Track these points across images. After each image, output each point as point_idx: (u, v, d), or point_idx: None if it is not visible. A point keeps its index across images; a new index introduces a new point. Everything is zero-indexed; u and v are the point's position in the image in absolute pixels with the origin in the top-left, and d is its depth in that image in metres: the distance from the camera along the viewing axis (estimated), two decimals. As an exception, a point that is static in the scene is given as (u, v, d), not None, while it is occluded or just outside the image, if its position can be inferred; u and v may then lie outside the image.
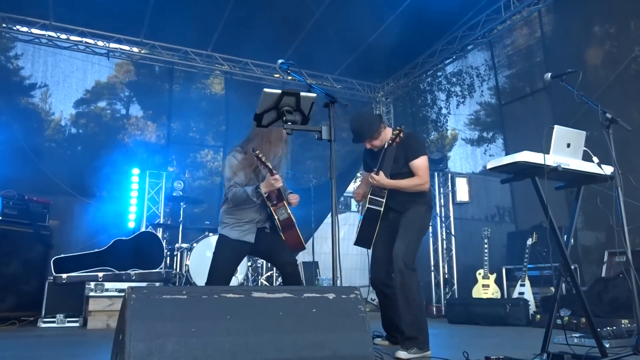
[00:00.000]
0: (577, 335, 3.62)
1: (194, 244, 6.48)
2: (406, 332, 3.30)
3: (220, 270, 3.45)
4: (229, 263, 3.50)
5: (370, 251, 3.75)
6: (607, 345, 2.95)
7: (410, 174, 3.51)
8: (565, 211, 5.01)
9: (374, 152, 3.66)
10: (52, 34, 7.52)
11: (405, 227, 3.47)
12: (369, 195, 3.58)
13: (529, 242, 5.88)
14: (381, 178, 3.44)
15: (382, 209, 3.54)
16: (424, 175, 3.49)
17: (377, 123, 3.61)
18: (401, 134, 3.40)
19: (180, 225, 7.03)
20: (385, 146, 3.47)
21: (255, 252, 3.70)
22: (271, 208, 3.46)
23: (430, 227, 7.77)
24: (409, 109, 9.57)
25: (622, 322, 4.09)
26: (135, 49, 8.22)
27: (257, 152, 3.26)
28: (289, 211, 3.48)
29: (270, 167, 3.28)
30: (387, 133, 3.61)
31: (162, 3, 6.96)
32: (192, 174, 8.51)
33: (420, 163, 3.49)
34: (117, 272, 5.60)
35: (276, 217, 3.46)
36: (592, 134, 3.13)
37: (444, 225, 7.86)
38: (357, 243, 3.71)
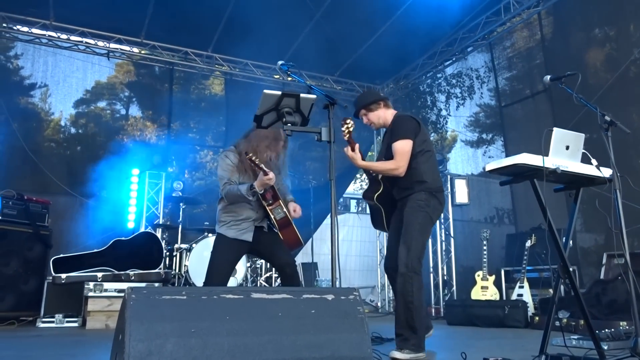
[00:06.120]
0: (576, 337, 3.63)
1: (193, 245, 6.48)
2: (399, 330, 3.23)
3: (219, 269, 3.44)
4: (227, 262, 3.49)
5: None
6: (605, 348, 2.96)
7: None
8: (564, 213, 4.99)
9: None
10: (53, 34, 7.52)
11: (406, 224, 3.34)
12: (368, 185, 3.64)
13: (528, 244, 5.88)
14: (355, 155, 3.33)
15: (375, 196, 3.55)
16: (398, 160, 3.32)
17: (376, 96, 3.60)
18: (350, 127, 3.28)
19: (180, 226, 7.02)
20: (347, 140, 3.37)
21: (253, 252, 3.70)
22: (267, 208, 3.46)
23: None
24: (408, 111, 9.57)
25: (621, 324, 4.10)
26: (135, 50, 8.22)
27: (249, 154, 3.25)
28: (285, 210, 3.48)
29: (264, 168, 3.25)
30: (389, 115, 3.57)
31: (162, 4, 6.97)
32: (191, 174, 8.51)
33: (398, 146, 3.33)
34: (116, 272, 5.60)
35: (273, 217, 3.46)
36: (592, 137, 3.14)
37: (443, 227, 7.87)
38: (374, 226, 3.77)
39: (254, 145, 3.41)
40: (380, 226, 3.70)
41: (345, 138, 3.31)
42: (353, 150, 3.33)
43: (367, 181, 3.70)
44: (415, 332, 3.17)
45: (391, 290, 8.80)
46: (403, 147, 3.33)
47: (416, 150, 3.38)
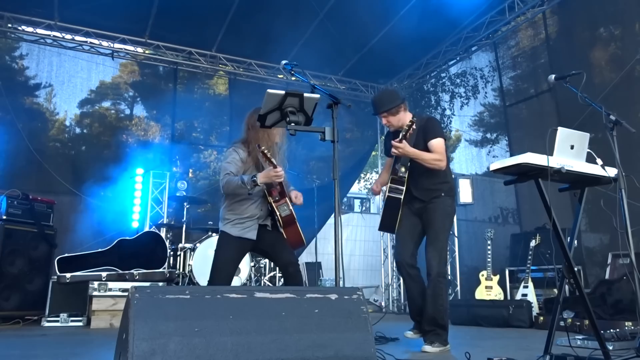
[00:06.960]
0: (580, 337, 3.62)
1: (197, 244, 6.49)
2: (429, 327, 3.50)
3: (222, 267, 3.45)
4: (231, 260, 3.50)
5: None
6: (611, 348, 2.95)
7: None
8: (569, 213, 5.00)
9: (395, 137, 3.70)
10: (57, 34, 7.55)
11: (436, 231, 3.56)
12: (389, 184, 3.66)
13: (533, 243, 5.87)
14: (405, 145, 3.45)
15: (402, 197, 3.61)
16: (442, 154, 3.55)
17: (399, 100, 3.73)
18: (414, 126, 3.47)
19: (184, 226, 7.04)
20: (402, 134, 3.49)
21: (256, 250, 3.69)
22: (273, 204, 3.45)
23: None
24: (412, 110, 9.49)
25: (626, 324, 4.08)
26: (139, 50, 8.24)
27: (262, 148, 3.25)
28: (290, 208, 3.47)
29: (274, 162, 3.26)
30: (407, 118, 3.67)
31: (166, 3, 6.98)
32: (195, 174, 8.53)
33: (438, 143, 3.56)
34: (120, 271, 5.62)
35: (278, 214, 3.45)
36: (596, 136, 3.13)
37: (447, 226, 7.83)
38: (381, 228, 3.82)
39: (265, 139, 3.41)
40: (390, 227, 3.73)
41: (407, 134, 3.46)
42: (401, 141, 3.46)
43: (371, 182, 3.71)
44: (445, 329, 3.50)
45: (394, 290, 8.77)
46: (441, 145, 3.58)
47: None
